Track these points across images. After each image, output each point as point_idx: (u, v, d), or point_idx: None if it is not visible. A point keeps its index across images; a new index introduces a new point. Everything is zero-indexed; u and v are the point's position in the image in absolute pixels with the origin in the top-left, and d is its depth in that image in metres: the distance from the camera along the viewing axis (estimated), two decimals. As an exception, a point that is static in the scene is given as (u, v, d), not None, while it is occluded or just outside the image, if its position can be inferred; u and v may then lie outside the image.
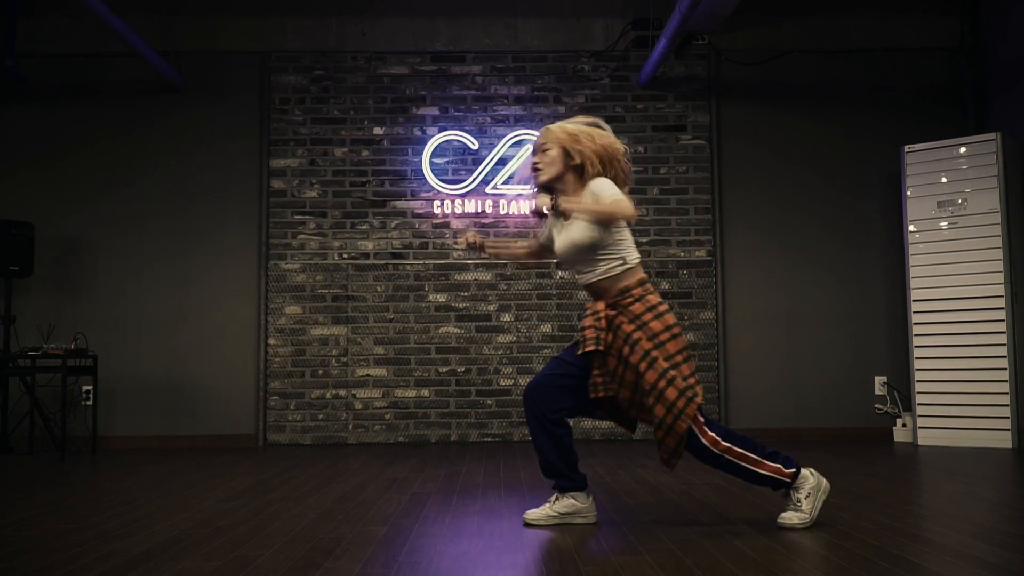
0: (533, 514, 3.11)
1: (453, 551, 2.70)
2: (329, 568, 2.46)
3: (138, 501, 3.67)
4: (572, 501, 3.09)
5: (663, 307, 2.98)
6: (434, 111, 6.34)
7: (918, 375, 5.73)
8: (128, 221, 6.25)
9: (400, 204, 6.28)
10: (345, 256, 6.24)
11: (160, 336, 6.17)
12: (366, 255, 6.24)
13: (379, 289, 6.22)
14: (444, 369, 6.16)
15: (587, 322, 3.00)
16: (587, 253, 3.01)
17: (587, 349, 2.96)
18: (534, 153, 3.14)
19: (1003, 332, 5.45)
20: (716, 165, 6.33)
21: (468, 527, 3.07)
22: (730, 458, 2.94)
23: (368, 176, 6.30)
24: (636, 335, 2.91)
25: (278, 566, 2.49)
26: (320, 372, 6.16)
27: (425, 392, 6.16)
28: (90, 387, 5.92)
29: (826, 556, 2.52)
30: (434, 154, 6.26)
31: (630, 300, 2.97)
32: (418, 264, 6.22)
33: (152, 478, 4.43)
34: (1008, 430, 5.41)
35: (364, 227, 6.26)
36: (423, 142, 6.29)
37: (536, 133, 6.16)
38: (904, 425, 5.99)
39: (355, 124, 6.33)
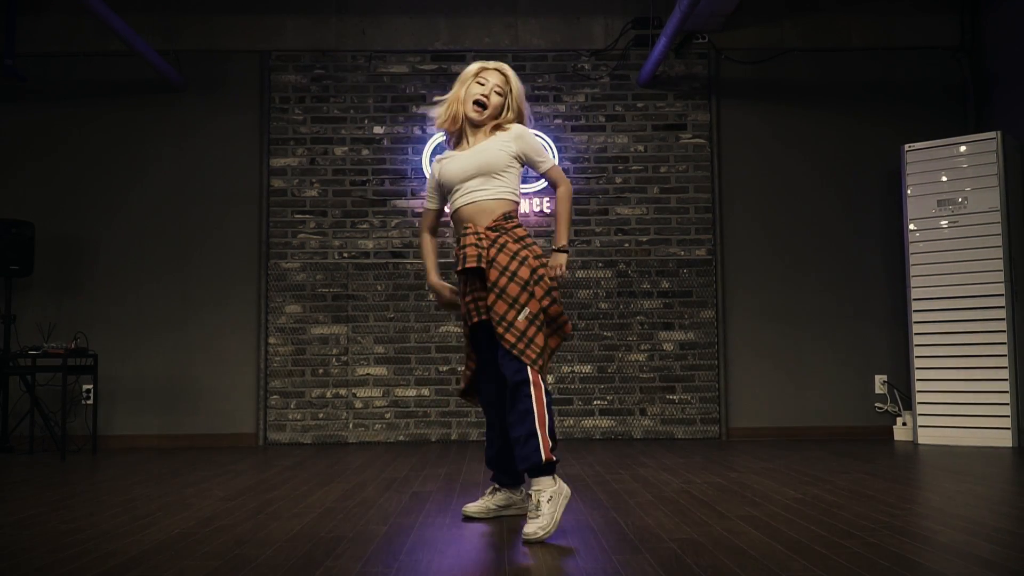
0: (472, 507, 3.23)
1: (454, 550, 2.70)
2: (329, 567, 2.46)
3: (138, 501, 3.67)
4: (509, 494, 3.25)
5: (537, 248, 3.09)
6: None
7: (918, 374, 5.73)
8: (128, 221, 6.25)
9: (400, 203, 6.28)
10: (345, 255, 6.24)
11: (160, 336, 6.17)
12: (366, 254, 6.24)
13: (379, 288, 6.22)
14: (444, 368, 6.16)
15: (468, 240, 2.99)
16: (491, 174, 3.06)
17: (468, 266, 2.96)
18: (477, 82, 3.13)
19: (1003, 331, 5.45)
20: (716, 164, 6.33)
21: (468, 526, 3.07)
22: (534, 402, 2.89)
23: (368, 175, 6.30)
24: (522, 253, 3.00)
25: (278, 566, 2.49)
26: (320, 371, 6.16)
27: (425, 391, 6.16)
28: (90, 386, 5.93)
29: (826, 555, 2.52)
30: (434, 153, 6.25)
31: (513, 224, 3.06)
32: (418, 263, 6.21)
33: (152, 478, 4.43)
34: (1008, 429, 5.41)
35: (364, 226, 6.27)
36: (423, 141, 6.29)
37: (538, 132, 6.23)
38: (904, 424, 6.00)
39: (355, 123, 6.33)
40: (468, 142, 3.16)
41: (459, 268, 3.00)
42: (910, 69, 6.43)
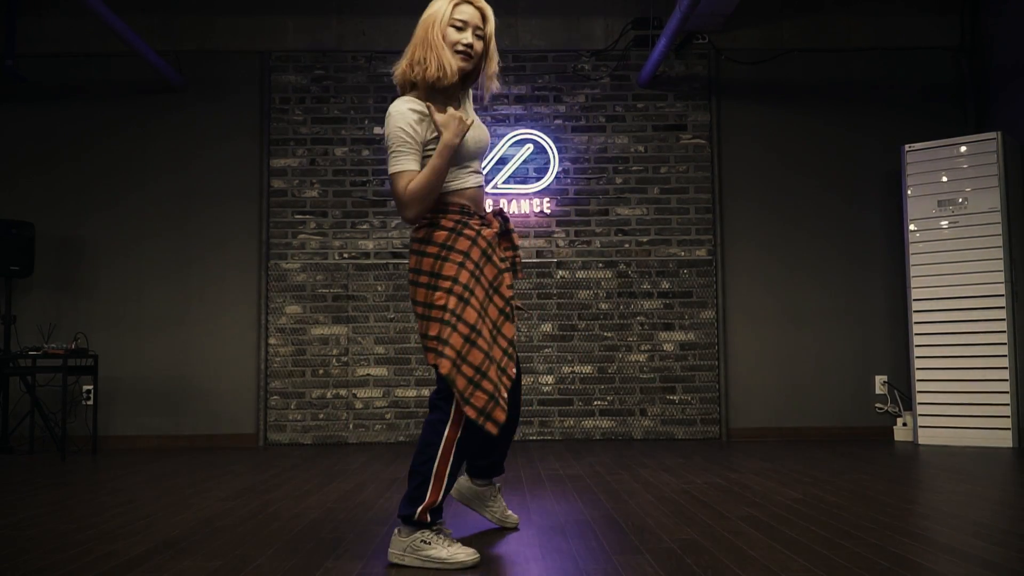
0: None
1: (453, 551, 2.70)
2: (329, 568, 2.46)
3: (138, 501, 3.67)
4: (476, 486, 3.01)
5: None
6: (434, 110, 6.32)
7: (918, 374, 5.73)
8: (128, 221, 6.25)
9: (400, 204, 6.26)
10: (345, 255, 6.24)
11: (160, 336, 6.17)
12: (366, 254, 6.25)
13: (379, 288, 6.22)
14: (444, 369, 6.15)
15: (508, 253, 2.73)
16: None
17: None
18: (466, 28, 2.60)
19: (1003, 331, 5.45)
20: (716, 164, 6.33)
21: (468, 527, 3.07)
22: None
23: (368, 175, 6.30)
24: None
25: (278, 566, 2.49)
26: (320, 371, 6.16)
27: (426, 391, 6.15)
28: (90, 387, 5.93)
29: (826, 555, 2.52)
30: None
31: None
32: (418, 264, 6.20)
33: (152, 477, 4.43)
34: (1008, 429, 5.41)
35: (364, 226, 6.27)
36: (423, 142, 6.27)
37: (538, 132, 6.23)
38: (904, 424, 5.99)
39: (355, 123, 6.34)
40: (460, 104, 2.75)
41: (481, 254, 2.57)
42: (910, 69, 6.43)
